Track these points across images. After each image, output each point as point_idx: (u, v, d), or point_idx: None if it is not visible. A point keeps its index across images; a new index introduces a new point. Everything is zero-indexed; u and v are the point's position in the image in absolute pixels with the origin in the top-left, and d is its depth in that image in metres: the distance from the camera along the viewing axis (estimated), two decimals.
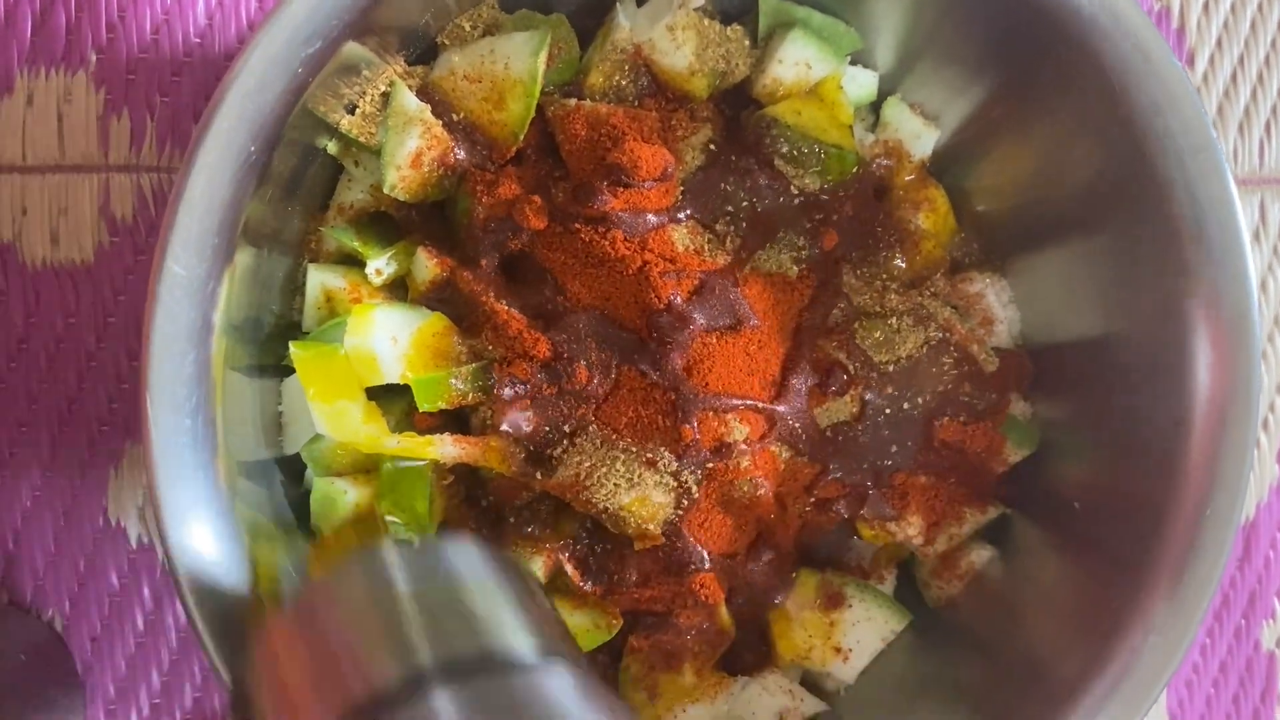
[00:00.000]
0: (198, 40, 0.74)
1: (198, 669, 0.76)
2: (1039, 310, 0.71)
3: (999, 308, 0.71)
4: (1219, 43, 0.84)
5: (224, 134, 0.52)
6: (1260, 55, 0.84)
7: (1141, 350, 0.64)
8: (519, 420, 0.64)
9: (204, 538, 0.55)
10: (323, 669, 0.47)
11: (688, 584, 0.66)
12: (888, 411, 0.69)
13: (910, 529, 0.70)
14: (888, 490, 0.69)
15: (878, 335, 0.69)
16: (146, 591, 0.75)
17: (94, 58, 0.74)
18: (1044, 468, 0.71)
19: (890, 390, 0.69)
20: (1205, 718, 0.82)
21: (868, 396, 0.69)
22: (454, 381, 0.64)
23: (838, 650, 0.69)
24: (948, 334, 0.69)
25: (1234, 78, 0.84)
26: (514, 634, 0.48)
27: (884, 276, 0.70)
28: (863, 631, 0.69)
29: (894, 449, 0.69)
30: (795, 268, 0.69)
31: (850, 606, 0.69)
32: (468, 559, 0.52)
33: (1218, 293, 0.59)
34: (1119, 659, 0.61)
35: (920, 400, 0.69)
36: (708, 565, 0.66)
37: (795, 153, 0.68)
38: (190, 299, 0.53)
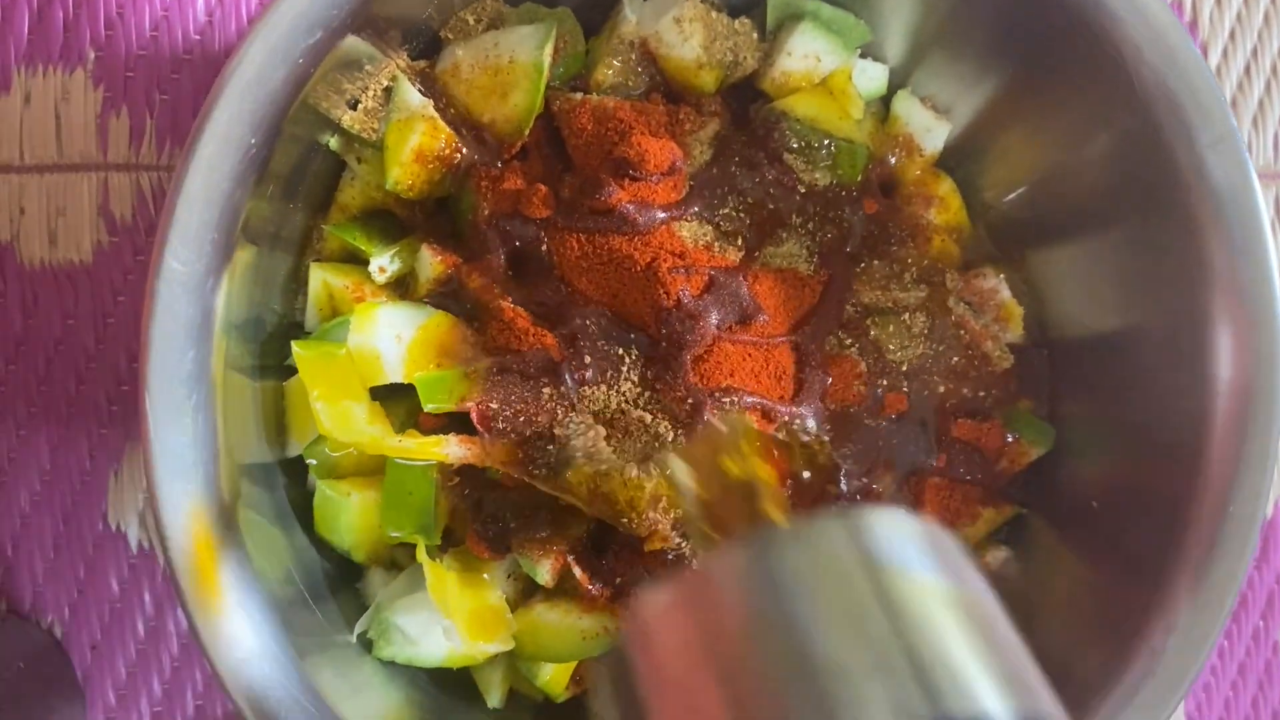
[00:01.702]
0: (197, 37, 0.73)
1: (199, 676, 0.75)
2: (1055, 305, 0.70)
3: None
4: (1232, 35, 0.83)
5: (223, 127, 0.51)
6: (1274, 48, 0.83)
7: (1161, 345, 0.63)
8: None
9: (205, 539, 0.53)
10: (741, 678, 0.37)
11: None
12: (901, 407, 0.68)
13: None
14: (902, 489, 0.68)
15: (890, 331, 0.68)
16: (147, 597, 0.74)
17: (92, 55, 0.73)
18: (1061, 466, 0.69)
19: (904, 386, 0.68)
20: None
21: (880, 393, 0.67)
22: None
23: None
24: (961, 330, 0.68)
25: (1248, 71, 0.83)
26: (981, 687, 0.35)
27: (896, 272, 0.69)
28: None
29: (908, 446, 0.68)
30: (807, 263, 0.67)
31: None
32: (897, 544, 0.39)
33: (1239, 285, 0.58)
34: (1139, 661, 0.60)
35: (934, 396, 0.68)
36: None
37: (805, 146, 0.67)
38: (189, 295, 0.52)
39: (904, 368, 0.68)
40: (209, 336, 0.53)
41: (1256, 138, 0.83)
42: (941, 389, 0.68)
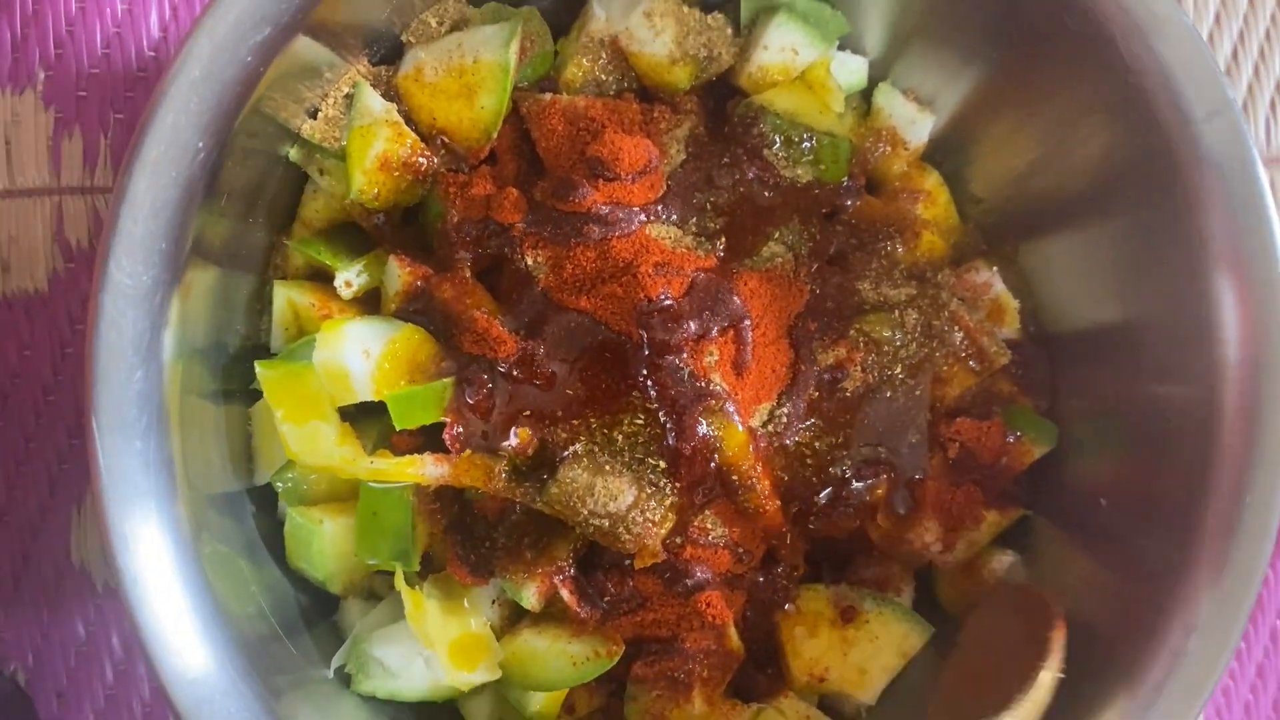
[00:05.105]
0: (152, 54, 0.71)
1: None
2: (1051, 298, 0.68)
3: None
4: (1218, 19, 0.81)
5: (168, 129, 0.48)
6: (1260, 31, 0.81)
7: (1164, 331, 0.60)
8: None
9: (162, 568, 0.50)
10: None
11: (693, 604, 0.62)
12: (896, 402, 0.65)
13: (927, 535, 0.65)
14: (902, 493, 0.65)
15: (883, 328, 0.65)
16: (115, 640, 0.70)
17: (42, 75, 0.70)
18: (1066, 465, 0.67)
19: (898, 381, 0.65)
20: None
21: (874, 385, 0.65)
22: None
23: (855, 669, 0.65)
24: (956, 327, 0.65)
25: (1235, 55, 0.81)
26: None
27: (886, 268, 0.66)
28: (882, 647, 0.65)
29: (905, 444, 0.65)
30: (793, 263, 0.65)
31: (867, 622, 0.65)
32: None
33: (1243, 262, 0.55)
34: (1159, 665, 0.56)
35: (931, 393, 0.65)
36: (711, 581, 0.62)
37: (786, 142, 0.64)
38: (136, 309, 0.49)
39: (898, 368, 0.65)
40: (159, 353, 0.50)
41: (1246, 124, 0.80)
42: (939, 387, 0.65)
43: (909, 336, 0.65)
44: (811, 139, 0.65)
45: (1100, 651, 0.59)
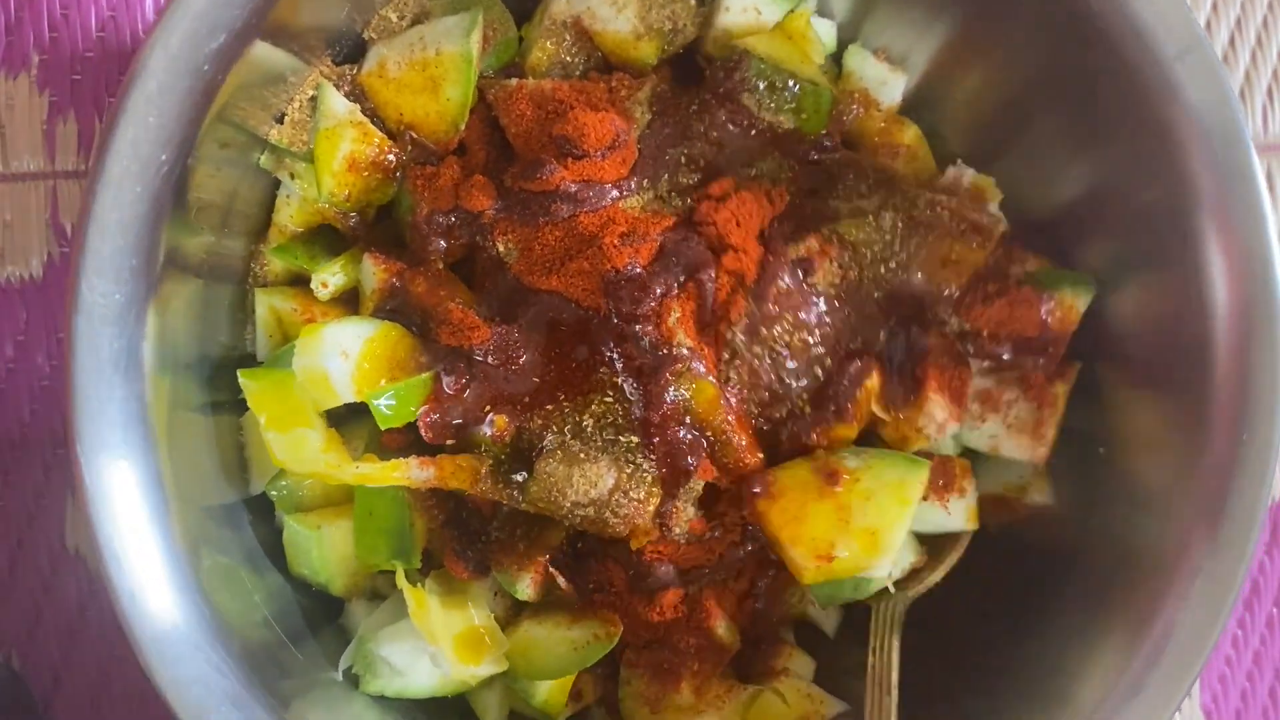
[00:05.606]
0: (145, 36, 0.71)
1: None
2: (1027, 183, 0.65)
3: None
4: (1215, 6, 0.79)
5: (129, 145, 0.48)
6: (1258, 18, 0.79)
7: (1143, 201, 0.59)
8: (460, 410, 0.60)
9: (159, 584, 0.50)
10: None
11: (659, 600, 0.62)
12: (875, 291, 0.63)
13: (938, 415, 0.63)
14: (896, 374, 0.63)
15: (857, 233, 0.63)
16: (109, 623, 0.70)
17: (36, 59, 0.70)
18: (1103, 317, 0.63)
19: (887, 274, 0.63)
20: (1241, 714, 0.77)
21: (854, 282, 0.63)
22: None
23: (864, 534, 0.58)
24: (939, 209, 0.63)
25: (1232, 43, 0.79)
26: None
27: (853, 183, 0.64)
28: (882, 502, 0.58)
29: (884, 329, 0.64)
30: (770, 186, 0.64)
31: (857, 480, 0.59)
32: None
33: (1225, 193, 0.55)
34: (1161, 618, 0.56)
35: (929, 278, 0.63)
36: (675, 581, 0.62)
37: (770, 88, 0.63)
38: (112, 328, 0.48)
39: (881, 268, 0.63)
40: (140, 370, 0.50)
41: (1243, 111, 0.79)
42: (948, 271, 0.63)
43: (890, 235, 0.63)
44: (795, 85, 0.63)
45: (1108, 602, 0.59)
